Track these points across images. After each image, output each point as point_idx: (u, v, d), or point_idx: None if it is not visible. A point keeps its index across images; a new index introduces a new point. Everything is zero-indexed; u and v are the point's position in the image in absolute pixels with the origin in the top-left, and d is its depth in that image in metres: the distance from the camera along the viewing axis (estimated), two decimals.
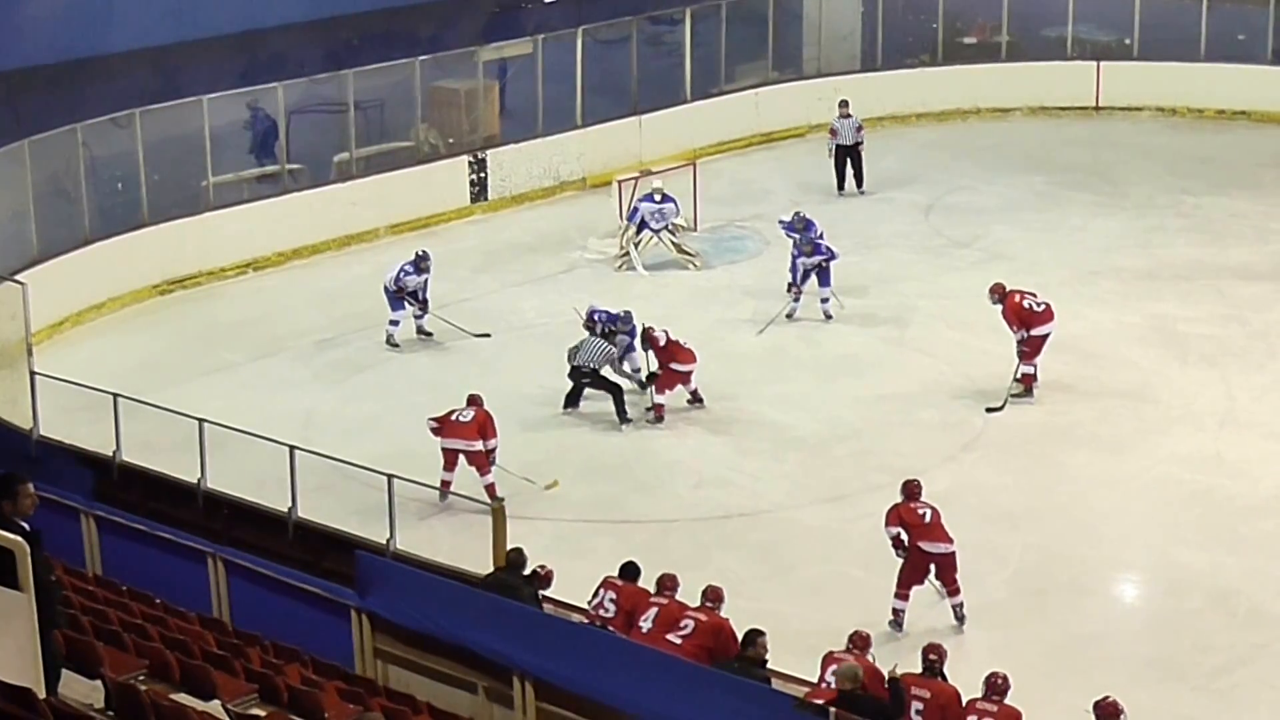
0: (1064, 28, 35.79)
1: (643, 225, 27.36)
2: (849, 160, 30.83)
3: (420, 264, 24.39)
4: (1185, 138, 34.05)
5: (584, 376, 21.95)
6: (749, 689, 13.51)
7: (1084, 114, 35.34)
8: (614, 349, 22.06)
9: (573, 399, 22.16)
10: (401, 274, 24.27)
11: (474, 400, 20.08)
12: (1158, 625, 17.48)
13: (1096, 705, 13.39)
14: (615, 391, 21.98)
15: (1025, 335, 22.11)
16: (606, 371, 22.04)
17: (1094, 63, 35.51)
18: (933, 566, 17.00)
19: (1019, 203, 30.39)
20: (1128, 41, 35.69)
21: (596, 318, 22.52)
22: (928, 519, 16.93)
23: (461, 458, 19.68)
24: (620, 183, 29.32)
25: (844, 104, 30.83)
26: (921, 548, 16.89)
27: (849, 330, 24.64)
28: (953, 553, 16.95)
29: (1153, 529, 19.13)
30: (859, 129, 30.83)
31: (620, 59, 32.85)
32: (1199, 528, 18.97)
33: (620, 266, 27.27)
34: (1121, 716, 13.33)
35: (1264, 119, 34.56)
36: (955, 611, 17.06)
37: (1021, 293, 22.30)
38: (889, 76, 35.61)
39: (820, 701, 13.34)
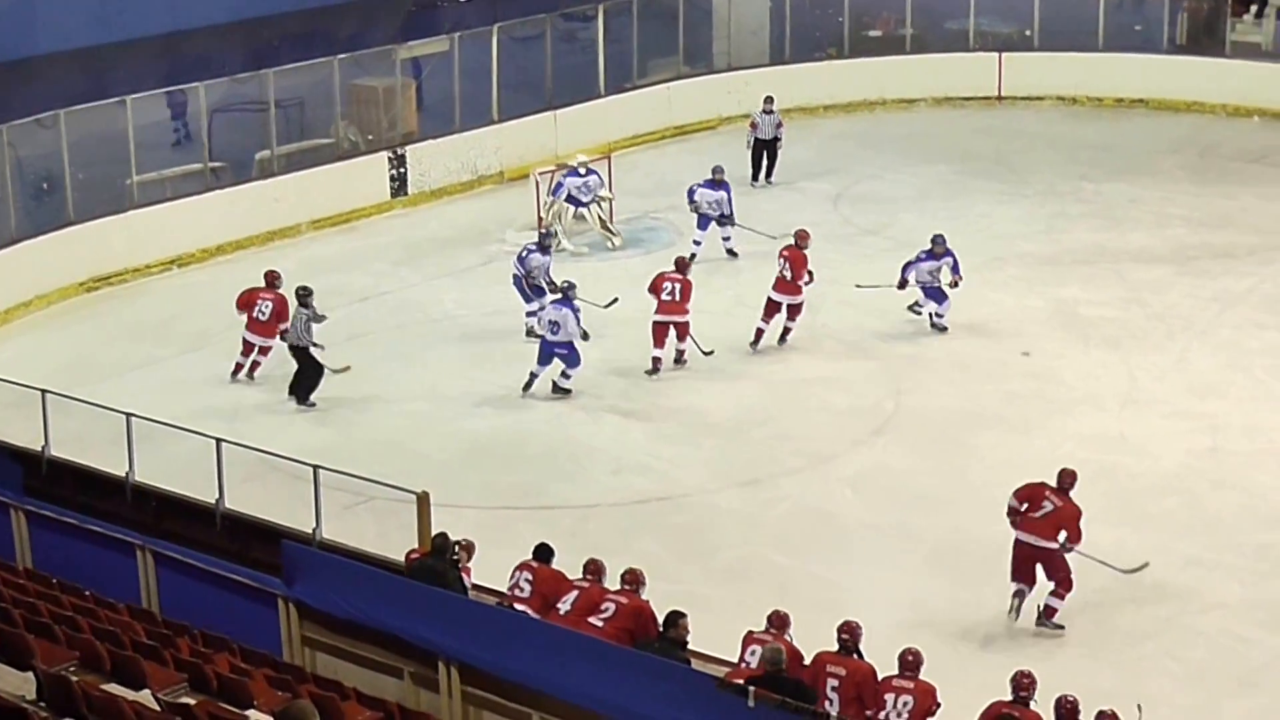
0: (966, 20, 36.18)
1: (569, 200, 27.77)
2: (765, 154, 31.25)
3: (544, 242, 24.39)
4: (1085, 126, 34.50)
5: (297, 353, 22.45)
6: (670, 669, 13.68)
7: (987, 104, 35.77)
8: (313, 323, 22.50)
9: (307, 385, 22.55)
10: (525, 252, 24.01)
11: (273, 280, 21.80)
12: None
13: (1012, 678, 13.77)
14: (316, 373, 22.44)
15: (801, 286, 23.33)
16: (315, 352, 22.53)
17: (996, 54, 35.94)
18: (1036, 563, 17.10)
19: (926, 191, 30.73)
20: (1028, 33, 36.17)
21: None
22: (1040, 513, 17.03)
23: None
24: (538, 176, 29.56)
25: (769, 100, 31.10)
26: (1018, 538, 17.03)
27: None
28: (1046, 549, 16.99)
29: None
30: (779, 125, 31.15)
31: (535, 55, 33.03)
32: (1104, 505, 18.99)
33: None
34: (1034, 688, 13.67)
35: (1161, 107, 35.09)
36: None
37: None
38: (797, 69, 35.91)
39: (740, 681, 13.46)
